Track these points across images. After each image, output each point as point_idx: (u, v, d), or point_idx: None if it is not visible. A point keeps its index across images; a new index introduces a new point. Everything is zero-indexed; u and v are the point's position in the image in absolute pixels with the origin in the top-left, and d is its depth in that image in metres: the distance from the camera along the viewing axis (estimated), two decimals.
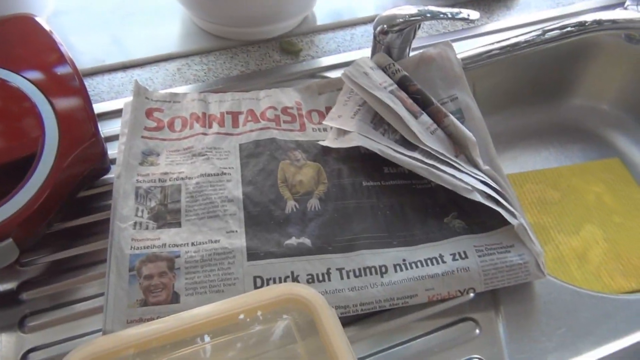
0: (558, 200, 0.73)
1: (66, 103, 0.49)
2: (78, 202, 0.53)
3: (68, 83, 0.50)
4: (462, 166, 0.51)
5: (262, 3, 0.64)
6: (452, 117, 0.53)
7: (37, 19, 0.55)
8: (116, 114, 0.59)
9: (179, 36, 0.70)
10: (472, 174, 0.50)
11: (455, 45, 0.68)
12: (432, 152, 0.51)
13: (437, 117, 0.54)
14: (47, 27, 0.54)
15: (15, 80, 0.49)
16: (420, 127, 0.52)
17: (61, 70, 0.51)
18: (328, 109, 0.59)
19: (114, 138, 0.56)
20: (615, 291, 0.63)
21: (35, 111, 0.48)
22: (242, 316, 0.39)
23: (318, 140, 0.55)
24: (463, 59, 0.61)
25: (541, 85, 0.78)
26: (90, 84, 0.63)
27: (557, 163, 0.77)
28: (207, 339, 0.39)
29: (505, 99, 0.78)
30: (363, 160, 0.53)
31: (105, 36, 0.69)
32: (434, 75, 0.58)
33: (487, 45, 0.62)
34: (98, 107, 0.60)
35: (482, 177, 0.50)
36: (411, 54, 0.61)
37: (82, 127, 0.49)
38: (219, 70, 0.66)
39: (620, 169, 0.76)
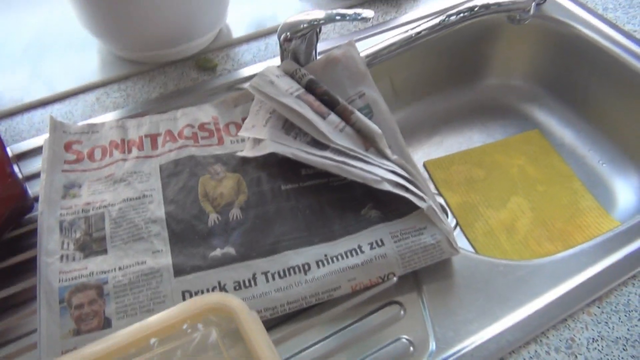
0: (484, 177, 0.76)
1: None
2: (4, 244, 0.53)
3: None
4: (372, 159, 0.53)
5: (172, 23, 0.65)
6: (357, 113, 0.56)
7: None
8: (38, 151, 0.60)
9: (96, 66, 0.71)
10: (381, 165, 0.53)
11: (367, 42, 0.72)
12: (342, 149, 0.53)
13: (345, 115, 0.56)
14: None
15: None
16: (328, 127, 0.54)
17: None
18: (244, 120, 0.61)
19: (37, 175, 0.57)
20: (543, 256, 0.67)
21: None
22: (166, 332, 0.40)
23: (236, 152, 0.57)
24: (367, 56, 0.63)
25: (456, 69, 0.81)
26: (9, 124, 0.64)
27: (480, 142, 0.80)
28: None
29: (424, 87, 0.81)
30: (280, 165, 0.55)
31: (21, 74, 0.70)
32: (341, 75, 0.60)
33: (389, 39, 0.65)
34: (19, 147, 0.61)
35: (391, 166, 0.53)
36: (318, 56, 0.63)
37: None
38: (137, 94, 0.67)
39: (540, 140, 0.80)
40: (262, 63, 0.71)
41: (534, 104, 0.83)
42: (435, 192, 0.75)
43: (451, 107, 0.83)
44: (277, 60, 0.71)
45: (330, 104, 0.57)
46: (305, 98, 0.56)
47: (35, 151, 0.61)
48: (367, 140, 0.55)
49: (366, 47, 0.66)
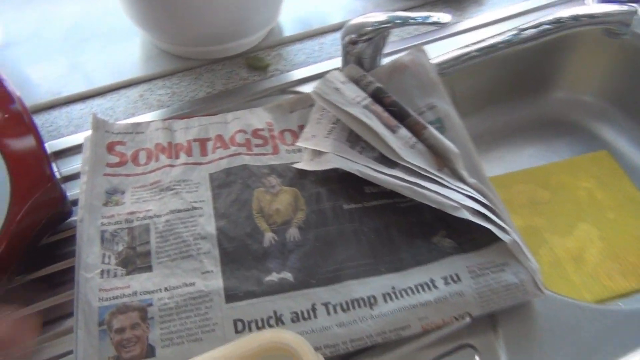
0: (548, 199, 0.70)
1: (16, 147, 0.45)
2: (41, 251, 0.49)
3: (16, 125, 0.47)
4: (447, 181, 0.48)
5: (223, 20, 0.61)
6: (431, 128, 0.50)
7: None
8: (76, 149, 0.55)
9: (139, 60, 0.66)
10: (458, 189, 0.47)
11: (429, 47, 0.66)
12: (413, 168, 0.48)
13: (416, 130, 0.51)
14: None
15: None
16: (398, 142, 0.49)
17: (7, 111, 0.47)
18: (301, 127, 0.56)
19: (75, 177, 0.53)
20: (615, 292, 0.61)
21: None
22: None
23: (293, 163, 0.52)
24: (438, 64, 0.58)
25: (521, 80, 0.75)
26: (47, 119, 0.60)
27: (544, 160, 0.75)
28: None
29: (485, 97, 0.75)
30: (342, 181, 0.50)
31: (61, 66, 0.65)
32: (409, 84, 0.55)
33: (463, 48, 0.59)
34: (57, 144, 0.57)
35: (469, 191, 0.47)
36: (383, 61, 0.58)
37: (36, 172, 0.45)
38: (183, 93, 0.62)
39: (609, 162, 0.73)
40: (316, 65, 0.66)
41: (603, 123, 0.76)
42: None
43: (513, 120, 0.77)
44: (332, 63, 0.65)
45: (399, 116, 0.51)
46: (372, 109, 0.51)
47: (73, 150, 0.56)
48: (440, 158, 0.50)
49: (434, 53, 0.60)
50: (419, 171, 0.48)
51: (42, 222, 0.46)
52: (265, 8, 0.63)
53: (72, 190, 0.52)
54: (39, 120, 0.59)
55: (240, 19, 0.62)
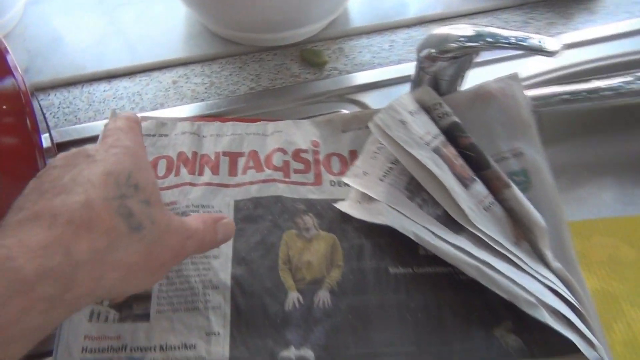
0: (634, 260, 0.59)
1: (10, 157, 0.38)
2: None
3: (16, 131, 0.39)
4: (525, 262, 0.38)
5: (281, 5, 0.50)
6: (515, 189, 0.40)
7: None
8: (93, 141, 0.48)
9: (180, 37, 0.57)
10: (538, 276, 0.37)
11: (517, 64, 0.54)
12: (484, 237, 0.38)
13: (495, 186, 0.40)
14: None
15: None
16: (470, 200, 0.39)
17: (9, 109, 0.40)
18: (353, 154, 0.46)
19: None
20: None
21: None
22: None
23: (336, 200, 0.43)
24: (535, 99, 0.46)
25: (625, 111, 0.62)
26: (65, 97, 0.52)
27: (635, 210, 0.62)
28: None
29: (576, 125, 0.63)
30: (393, 235, 0.40)
31: (90, 32, 0.57)
32: (494, 119, 0.44)
33: (563, 85, 0.48)
34: (71, 131, 0.49)
35: (551, 281, 0.37)
36: (464, 85, 0.47)
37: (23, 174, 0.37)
38: (223, 85, 0.53)
39: None
40: (382, 69, 0.55)
41: None
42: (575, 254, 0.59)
43: (607, 156, 0.65)
44: (402, 68, 0.55)
45: (476, 164, 0.41)
46: (444, 152, 0.40)
47: (91, 141, 0.48)
48: (518, 228, 0.40)
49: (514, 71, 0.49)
50: (491, 243, 0.38)
51: None
52: None
53: None
54: (57, 98, 0.52)
55: (302, 5, 0.51)
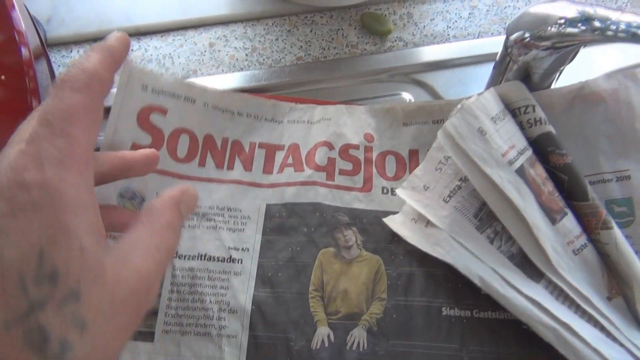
0: None
1: (5, 124, 0.32)
2: None
3: (13, 98, 0.33)
4: (616, 327, 0.30)
5: None
6: (617, 231, 0.31)
7: None
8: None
9: None
10: (631, 347, 0.29)
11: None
12: (566, 289, 0.30)
13: (590, 224, 0.32)
14: None
15: None
16: (556, 240, 0.31)
17: (6, 71, 0.33)
18: (413, 154, 0.38)
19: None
20: None
21: None
22: None
23: (387, 213, 0.35)
24: None
25: None
26: None
27: None
28: None
29: None
30: (450, 267, 0.33)
31: None
32: (597, 129, 0.35)
33: None
34: None
35: None
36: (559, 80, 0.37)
37: None
38: (267, 51, 0.45)
39: None
40: (458, 43, 0.46)
41: None
42: None
43: None
44: (483, 43, 0.45)
45: (569, 191, 0.32)
46: (530, 174, 0.32)
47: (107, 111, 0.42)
48: (613, 280, 0.31)
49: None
50: (575, 297, 0.30)
51: None
52: None
53: None
54: (79, 54, 0.45)
55: None
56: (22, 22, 0.36)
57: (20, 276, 0.17)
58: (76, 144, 0.19)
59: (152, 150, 0.28)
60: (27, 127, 0.21)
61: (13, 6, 0.36)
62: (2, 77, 0.33)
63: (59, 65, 0.45)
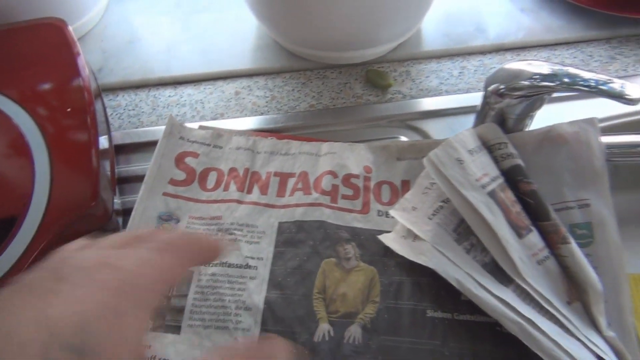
0: None
1: (68, 153, 0.39)
2: None
3: (77, 129, 0.40)
4: (574, 325, 0.35)
5: (351, 27, 0.50)
6: (574, 246, 0.37)
7: (68, 28, 0.45)
8: (152, 146, 0.49)
9: (249, 48, 0.57)
10: (587, 342, 0.34)
11: (594, 103, 0.51)
12: (532, 292, 0.36)
13: (552, 240, 0.38)
14: (74, 42, 0.44)
15: (14, 112, 0.40)
16: (522, 251, 0.37)
17: (73, 108, 0.41)
18: (405, 184, 0.44)
19: (136, 180, 0.46)
20: None
21: (28, 161, 0.38)
22: None
23: (381, 231, 0.42)
24: (611, 146, 0.43)
25: None
26: (132, 100, 0.54)
27: None
28: None
29: None
30: (435, 276, 0.38)
31: (164, 36, 0.59)
32: (562, 165, 0.41)
33: None
34: (132, 134, 0.51)
35: (602, 350, 0.34)
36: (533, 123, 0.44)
37: (80, 187, 0.39)
38: (284, 99, 0.53)
39: None
40: (449, 96, 0.53)
41: None
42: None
43: None
44: (471, 97, 0.52)
45: (535, 213, 0.38)
46: (500, 197, 0.38)
47: (144, 147, 0.49)
48: (573, 287, 0.37)
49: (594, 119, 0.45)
50: (539, 299, 0.35)
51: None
52: (404, 18, 0.51)
53: (130, 196, 0.45)
54: (125, 99, 0.54)
55: (372, 27, 0.50)
56: (85, 69, 0.44)
57: (60, 343, 0.17)
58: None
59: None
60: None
61: (79, 54, 0.44)
62: (69, 109, 0.40)
63: (106, 107, 0.53)
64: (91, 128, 0.41)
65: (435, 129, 0.50)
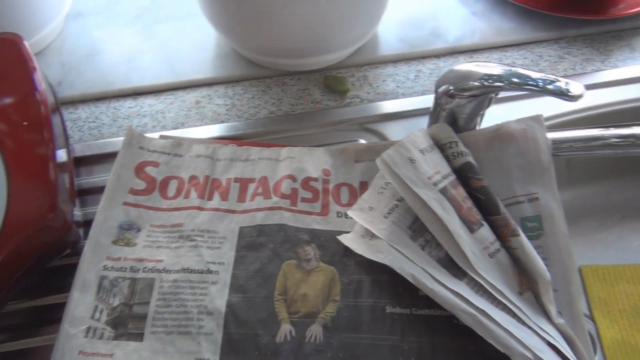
0: None
1: (25, 166, 0.40)
2: (50, 273, 0.44)
3: (34, 142, 0.41)
4: (525, 314, 0.36)
5: (308, 34, 0.51)
6: (523, 238, 0.38)
7: (24, 42, 0.45)
8: (107, 159, 0.49)
9: (208, 57, 0.58)
10: (538, 330, 0.36)
11: (540, 101, 0.52)
12: (484, 284, 0.37)
13: (502, 233, 0.39)
14: (29, 56, 0.45)
15: None
16: (474, 245, 0.38)
17: (30, 122, 0.41)
18: (364, 185, 0.46)
19: (96, 192, 0.47)
20: None
21: None
22: None
23: (341, 232, 0.43)
24: (556, 142, 0.45)
25: None
26: (92, 112, 0.54)
27: None
28: None
29: (608, 166, 0.61)
30: (393, 273, 0.39)
31: (122, 49, 0.59)
32: (511, 161, 0.43)
33: (596, 128, 0.45)
34: (93, 146, 0.51)
35: (552, 336, 0.35)
36: (483, 122, 0.46)
37: (38, 200, 0.39)
38: (244, 107, 0.54)
39: None
40: (406, 99, 0.54)
41: None
42: (587, 313, 0.56)
43: (638, 201, 0.62)
44: (426, 100, 0.54)
45: (486, 208, 0.40)
46: (451, 194, 0.39)
47: (104, 159, 0.50)
48: (524, 278, 0.38)
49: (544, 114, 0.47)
50: (492, 291, 0.37)
51: (42, 252, 0.40)
52: (359, 24, 0.53)
53: (92, 207, 0.46)
54: (85, 112, 0.54)
55: (328, 33, 0.52)
56: (42, 83, 0.44)
57: None
58: None
59: None
60: None
61: (35, 69, 0.44)
62: (25, 123, 0.41)
63: (66, 120, 0.53)
64: (48, 141, 0.41)
65: (392, 131, 0.52)
